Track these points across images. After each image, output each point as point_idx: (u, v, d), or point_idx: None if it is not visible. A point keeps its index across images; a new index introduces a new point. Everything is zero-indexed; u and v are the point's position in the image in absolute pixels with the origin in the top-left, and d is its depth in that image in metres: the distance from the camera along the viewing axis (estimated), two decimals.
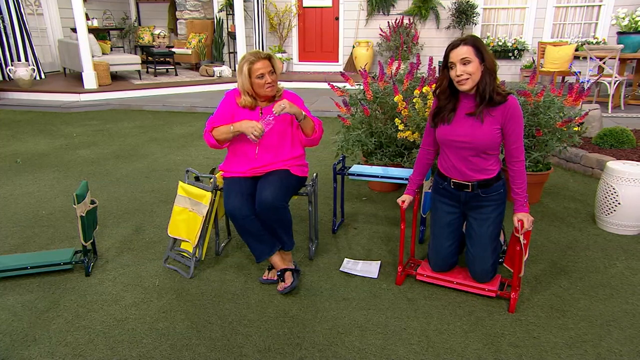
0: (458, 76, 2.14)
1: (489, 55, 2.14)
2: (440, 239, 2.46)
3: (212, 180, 2.63)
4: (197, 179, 2.74)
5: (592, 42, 8.63)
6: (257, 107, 2.59)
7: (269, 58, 2.50)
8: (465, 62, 2.11)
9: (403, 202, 2.47)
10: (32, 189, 3.99)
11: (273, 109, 2.42)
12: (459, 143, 2.26)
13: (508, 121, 2.18)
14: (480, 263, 2.37)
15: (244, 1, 9.07)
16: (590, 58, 6.56)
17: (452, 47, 2.15)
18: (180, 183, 2.72)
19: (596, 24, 8.90)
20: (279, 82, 2.63)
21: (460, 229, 2.49)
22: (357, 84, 3.79)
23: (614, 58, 6.38)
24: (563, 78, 7.51)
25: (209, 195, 2.58)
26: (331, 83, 3.73)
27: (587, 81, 6.29)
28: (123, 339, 2.12)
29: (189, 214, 2.66)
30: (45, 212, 3.51)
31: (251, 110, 2.58)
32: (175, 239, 2.75)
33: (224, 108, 2.61)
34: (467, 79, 2.13)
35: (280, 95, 2.62)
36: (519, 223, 2.21)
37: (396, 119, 3.34)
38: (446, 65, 2.20)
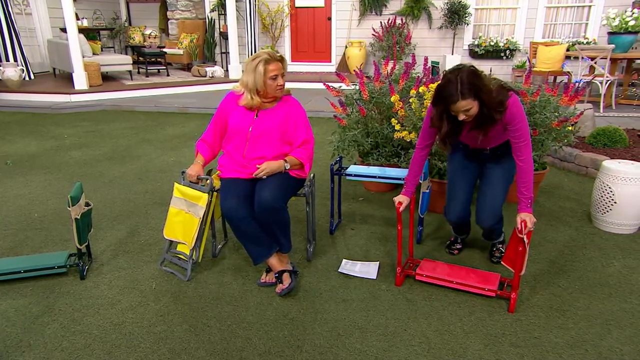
0: (461, 119, 2.18)
1: (486, 87, 2.11)
2: (458, 182, 2.61)
3: (208, 181, 2.60)
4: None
5: (582, 42, 8.70)
6: (254, 111, 2.56)
7: (281, 60, 2.52)
8: (467, 110, 2.13)
9: (400, 203, 2.46)
10: (24, 191, 3.92)
11: (254, 175, 2.49)
12: (471, 143, 2.45)
13: (509, 123, 2.24)
14: (491, 200, 2.50)
15: (236, 1, 9.02)
16: (582, 58, 6.60)
17: (450, 101, 2.11)
18: (176, 184, 2.69)
19: (586, 24, 8.98)
20: None
21: (474, 180, 2.63)
22: (353, 84, 3.77)
23: (605, 58, 6.43)
24: (555, 78, 7.56)
25: (205, 196, 2.55)
26: (327, 83, 3.72)
27: (581, 81, 6.33)
28: (120, 343, 2.08)
29: (185, 215, 2.63)
30: (38, 214, 3.46)
31: (249, 111, 2.56)
32: (171, 241, 2.71)
33: (215, 120, 2.64)
34: (469, 119, 2.20)
35: (279, 99, 2.60)
36: (522, 223, 2.21)
37: (392, 119, 3.33)
38: (445, 110, 2.18)
